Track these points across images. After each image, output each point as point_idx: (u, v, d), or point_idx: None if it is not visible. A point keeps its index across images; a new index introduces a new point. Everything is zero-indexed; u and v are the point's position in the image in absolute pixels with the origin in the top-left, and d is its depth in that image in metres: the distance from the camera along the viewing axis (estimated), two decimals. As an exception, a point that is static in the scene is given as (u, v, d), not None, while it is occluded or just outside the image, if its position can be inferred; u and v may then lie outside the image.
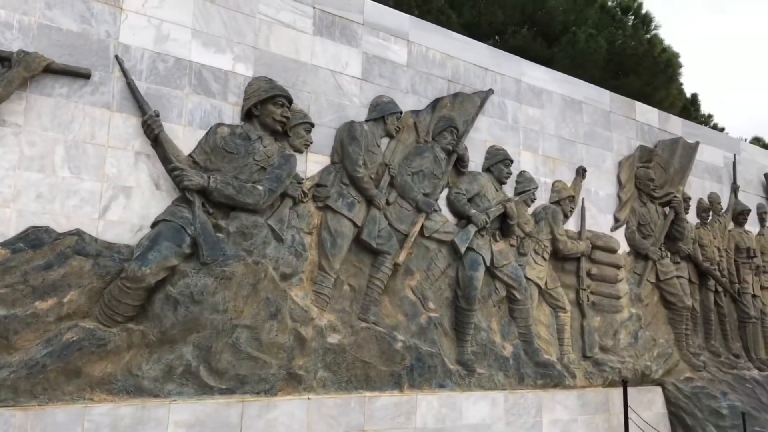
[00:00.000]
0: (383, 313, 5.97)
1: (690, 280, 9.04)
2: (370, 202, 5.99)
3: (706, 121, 19.94)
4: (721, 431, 7.82)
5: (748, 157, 10.73)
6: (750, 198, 10.55)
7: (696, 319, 9.05)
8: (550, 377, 6.88)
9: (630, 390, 7.66)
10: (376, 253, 5.98)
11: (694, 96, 16.94)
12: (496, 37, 13.36)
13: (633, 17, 12.91)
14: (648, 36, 12.86)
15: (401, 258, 6.07)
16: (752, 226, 10.50)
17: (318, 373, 5.37)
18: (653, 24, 13.22)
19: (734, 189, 10.20)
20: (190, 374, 4.73)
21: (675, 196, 8.82)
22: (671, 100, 13.53)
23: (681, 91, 14.93)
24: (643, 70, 12.81)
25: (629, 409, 7.22)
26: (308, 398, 5.29)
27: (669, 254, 8.90)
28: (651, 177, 8.67)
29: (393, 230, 6.19)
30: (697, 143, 9.37)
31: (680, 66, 15.11)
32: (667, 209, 8.81)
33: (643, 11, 13.04)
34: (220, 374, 4.83)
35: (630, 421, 7.21)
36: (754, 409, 8.24)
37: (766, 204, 10.81)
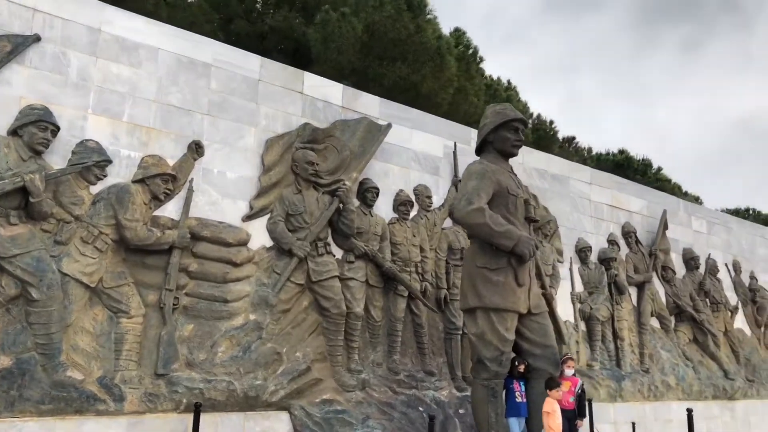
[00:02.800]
0: None
1: (368, 283, 7.68)
2: None
3: (543, 127, 19.17)
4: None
5: (483, 149, 9.54)
6: (484, 194, 9.33)
7: (375, 330, 7.67)
8: (65, 401, 5.27)
9: (234, 416, 6.20)
10: None
11: (512, 96, 15.97)
12: (254, 15, 11.99)
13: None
14: (417, 21, 11.70)
15: None
16: (486, 225, 9.26)
17: None
18: (427, 9, 12.10)
19: (455, 183, 8.97)
20: None
21: (344, 184, 7.47)
22: (452, 91, 12.38)
23: (476, 86, 13.85)
24: (410, 57, 11.63)
25: (201, 441, 5.70)
26: None
27: (343, 252, 7.56)
28: (310, 160, 7.30)
29: None
30: (389, 125, 8.10)
31: (477, 60, 14.12)
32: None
33: (411, -7, 11.92)
34: None
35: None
36: (405, 436, 6.87)
37: (505, 201, 9.62)
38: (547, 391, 6.10)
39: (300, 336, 6.90)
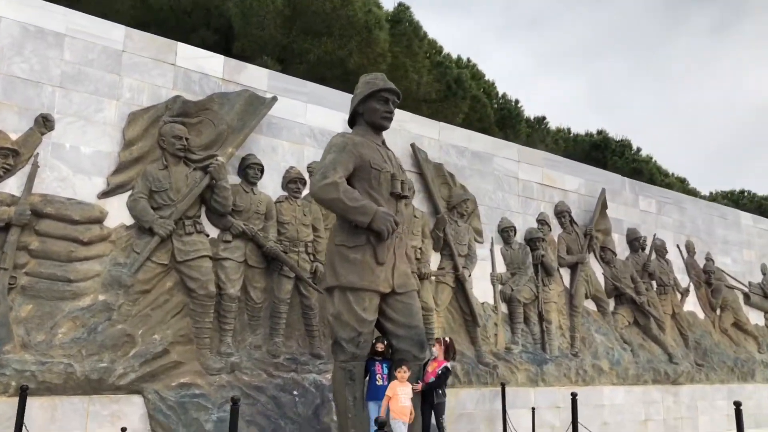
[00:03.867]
0: None
1: (248, 264, 7.37)
2: None
3: (508, 107, 18.69)
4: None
5: (393, 125, 9.15)
6: (393, 172, 8.96)
7: (255, 311, 7.37)
8: None
9: (77, 399, 5.97)
10: None
11: (463, 74, 15.49)
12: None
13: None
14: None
15: None
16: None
17: None
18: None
19: (357, 159, 8.60)
20: None
21: (216, 160, 7.15)
22: (386, 67, 11.97)
23: (420, 62, 13.42)
24: (336, 31, 11.23)
25: (25, 426, 5.46)
26: None
27: (219, 230, 7.26)
28: (177, 134, 6.97)
29: None
30: (274, 98, 7.74)
31: (420, 36, 13.67)
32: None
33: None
34: None
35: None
36: (268, 418, 6.64)
37: (417, 178, 9.26)
38: (395, 372, 5.80)
39: (161, 318, 6.62)
